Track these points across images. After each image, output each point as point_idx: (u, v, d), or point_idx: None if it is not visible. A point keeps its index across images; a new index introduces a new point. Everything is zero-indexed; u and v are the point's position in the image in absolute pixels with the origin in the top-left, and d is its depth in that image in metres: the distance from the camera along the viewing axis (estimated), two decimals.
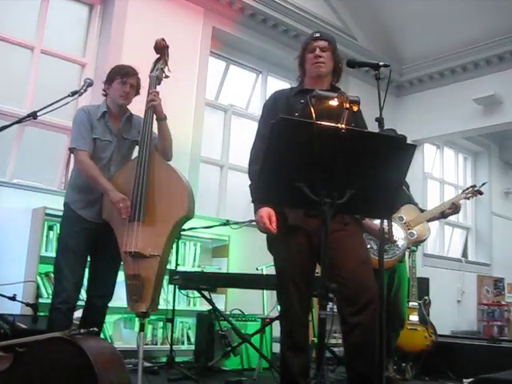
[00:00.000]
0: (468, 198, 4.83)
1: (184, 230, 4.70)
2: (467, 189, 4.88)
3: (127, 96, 3.70)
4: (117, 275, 3.70)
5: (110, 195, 3.47)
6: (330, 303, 3.33)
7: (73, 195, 3.64)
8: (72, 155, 3.79)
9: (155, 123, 3.67)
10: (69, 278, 3.45)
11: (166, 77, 3.81)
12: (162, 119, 3.69)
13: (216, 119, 7.05)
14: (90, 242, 3.58)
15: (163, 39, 3.81)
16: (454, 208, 4.60)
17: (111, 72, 3.76)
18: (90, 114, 3.64)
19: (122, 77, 3.68)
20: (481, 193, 4.84)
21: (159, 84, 3.77)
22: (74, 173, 3.75)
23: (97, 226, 3.57)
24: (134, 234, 3.44)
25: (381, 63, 2.87)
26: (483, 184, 5.01)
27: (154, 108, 3.65)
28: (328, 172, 2.30)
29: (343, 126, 2.28)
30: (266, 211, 2.87)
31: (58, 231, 3.78)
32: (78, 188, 3.63)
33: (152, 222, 3.50)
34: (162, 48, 3.82)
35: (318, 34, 3.16)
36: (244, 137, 6.84)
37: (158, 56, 3.84)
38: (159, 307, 3.97)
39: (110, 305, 3.73)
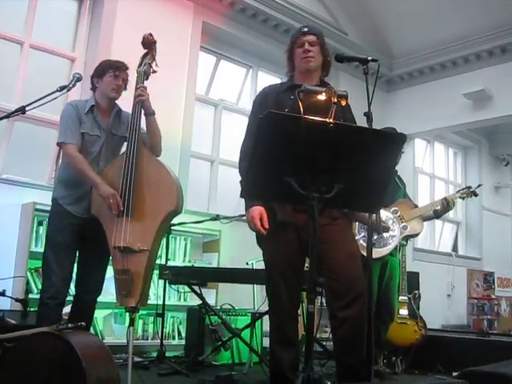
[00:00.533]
0: (463, 198, 4.88)
1: (174, 224, 4.70)
2: (463, 189, 4.93)
3: (119, 89, 3.70)
4: (106, 270, 3.71)
5: (100, 189, 3.44)
6: (320, 297, 3.35)
7: (61, 190, 3.61)
8: (61, 150, 3.77)
9: (143, 118, 3.66)
10: (57, 272, 3.43)
11: (154, 72, 3.80)
12: (150, 114, 3.68)
13: (206, 114, 7.04)
14: (78, 237, 3.56)
15: (151, 34, 3.81)
16: (446, 204, 4.61)
17: (101, 66, 3.74)
18: (78, 108, 3.61)
19: (115, 70, 3.67)
20: (476, 194, 4.89)
21: (147, 79, 3.76)
22: (62, 168, 3.74)
23: (85, 222, 3.55)
24: (122, 229, 3.43)
25: (369, 58, 2.88)
26: (479, 186, 5.06)
27: (141, 103, 3.65)
28: (316, 166, 2.30)
29: (331, 120, 2.28)
30: (258, 210, 2.89)
31: (47, 227, 3.75)
32: (66, 183, 3.61)
33: (141, 216, 3.50)
34: (149, 43, 3.81)
35: (306, 29, 3.15)
36: (234, 132, 6.84)
37: (145, 51, 3.83)
38: (149, 302, 3.98)
39: (100, 300, 3.73)
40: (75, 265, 3.62)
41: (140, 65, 3.79)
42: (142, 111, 3.66)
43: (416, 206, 4.76)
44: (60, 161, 3.90)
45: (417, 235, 4.99)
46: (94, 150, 3.62)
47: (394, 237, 4.48)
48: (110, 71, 3.66)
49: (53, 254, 3.48)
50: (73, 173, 3.56)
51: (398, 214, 4.54)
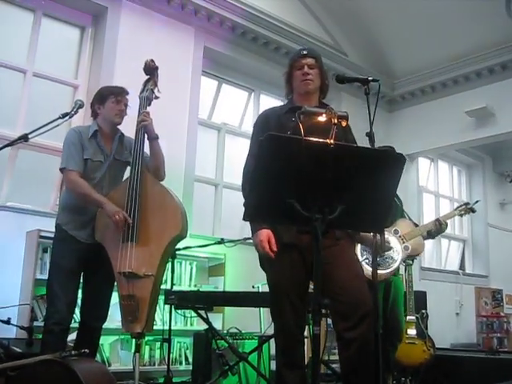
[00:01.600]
0: (461, 215, 4.86)
1: (179, 249, 4.68)
2: (460, 206, 4.91)
3: (121, 114, 3.73)
4: (111, 296, 3.69)
5: (106, 208, 3.46)
6: (326, 319, 3.33)
7: (65, 216, 3.62)
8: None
9: (146, 143, 3.68)
10: (62, 298, 3.42)
11: (156, 98, 3.84)
12: (153, 138, 3.71)
13: (209, 138, 7.07)
14: (82, 263, 3.56)
15: (152, 60, 3.85)
16: (439, 225, 4.59)
17: (102, 92, 3.78)
18: (81, 133, 3.63)
19: (116, 96, 3.71)
20: (473, 210, 4.87)
21: (149, 105, 3.80)
22: (65, 194, 3.75)
23: (89, 247, 3.55)
24: (127, 254, 3.44)
25: (370, 78, 2.89)
26: (476, 202, 5.06)
27: (145, 128, 3.67)
28: (318, 187, 2.30)
29: (332, 141, 2.28)
30: (266, 233, 2.88)
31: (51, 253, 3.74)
32: (69, 209, 3.62)
33: (145, 241, 3.50)
34: (151, 69, 3.85)
35: (305, 52, 3.17)
36: (238, 155, 6.84)
37: (147, 77, 3.87)
38: (156, 327, 3.96)
39: (106, 326, 3.72)
40: (80, 291, 3.61)
41: (142, 91, 3.83)
42: (146, 136, 3.68)
43: (416, 225, 4.73)
44: (63, 187, 3.90)
45: (418, 255, 4.96)
46: (97, 175, 3.63)
47: (397, 258, 4.44)
48: (111, 97, 3.69)
49: (57, 280, 3.46)
50: (76, 198, 3.57)
51: (399, 234, 4.51)
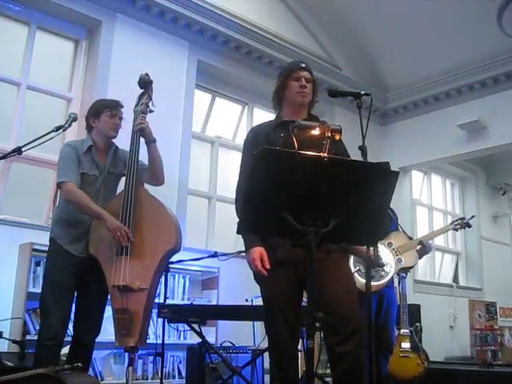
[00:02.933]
0: (456, 230, 4.86)
1: (172, 262, 4.66)
2: (456, 220, 4.91)
3: (117, 128, 3.73)
4: (104, 310, 3.68)
5: (107, 220, 3.44)
6: (320, 333, 3.32)
7: (59, 230, 3.60)
8: (59, 190, 3.76)
9: (142, 151, 3.67)
10: (56, 313, 3.40)
11: (151, 111, 3.84)
12: (151, 141, 3.72)
13: (203, 151, 7.07)
14: (76, 277, 3.54)
15: (147, 74, 3.86)
16: (422, 247, 4.59)
17: (97, 106, 3.77)
18: (77, 148, 3.62)
19: (112, 109, 3.71)
20: (469, 225, 4.88)
21: (144, 118, 3.79)
22: (60, 207, 3.72)
23: (83, 261, 3.53)
24: (121, 267, 3.43)
25: (362, 92, 2.90)
26: (472, 217, 5.06)
27: (142, 131, 3.66)
28: (312, 201, 2.30)
29: (325, 154, 2.29)
30: (258, 251, 2.88)
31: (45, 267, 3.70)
32: (64, 223, 3.60)
33: (140, 255, 3.50)
34: (146, 83, 3.86)
35: (303, 65, 3.18)
36: (231, 168, 6.85)
37: (142, 91, 3.87)
38: (149, 341, 3.93)
39: (99, 340, 3.70)
40: (76, 307, 3.60)
41: (137, 104, 3.83)
42: (142, 140, 3.69)
43: (410, 238, 4.73)
44: (57, 200, 3.87)
45: (411, 268, 4.95)
46: (91, 189, 3.62)
47: (390, 270, 4.44)
48: (106, 111, 3.70)
49: (51, 295, 3.44)
50: (71, 211, 3.55)
51: (393, 246, 4.51)
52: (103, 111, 3.70)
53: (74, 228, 3.57)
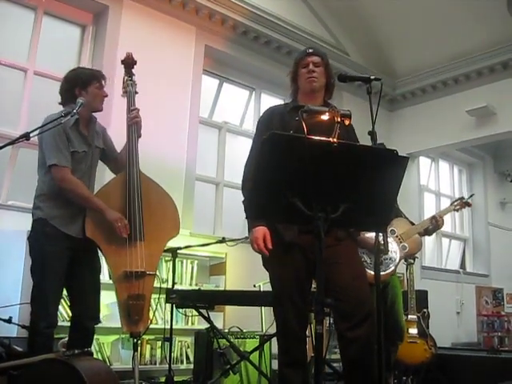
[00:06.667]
0: (457, 210, 4.79)
1: (180, 248, 4.68)
2: (455, 200, 4.86)
3: (103, 101, 3.61)
4: (100, 291, 3.58)
5: (107, 214, 3.38)
6: (328, 318, 3.32)
7: (51, 209, 3.37)
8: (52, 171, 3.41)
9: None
10: (54, 302, 3.31)
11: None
12: (139, 136, 3.70)
13: (210, 137, 7.06)
14: (70, 262, 3.38)
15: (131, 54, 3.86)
16: (435, 223, 4.54)
17: (83, 75, 3.55)
18: (64, 123, 3.28)
19: (100, 80, 3.57)
20: (469, 204, 4.82)
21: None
22: (47, 183, 3.43)
23: (79, 243, 3.39)
24: (137, 253, 3.42)
25: (372, 77, 2.88)
26: (471, 196, 5.03)
27: (137, 124, 3.65)
28: (321, 186, 2.29)
29: (335, 139, 2.27)
30: (261, 231, 2.87)
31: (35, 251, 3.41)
32: (55, 201, 3.39)
33: (147, 241, 3.50)
34: (132, 62, 3.87)
35: (311, 50, 3.18)
36: (239, 154, 6.84)
37: (127, 70, 3.87)
38: (157, 326, 3.96)
39: (107, 325, 3.72)
40: (69, 288, 3.47)
41: (127, 85, 3.80)
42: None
43: (412, 224, 4.68)
44: (44, 177, 3.45)
45: (416, 253, 4.91)
46: (82, 167, 3.47)
47: (395, 258, 4.40)
48: (94, 82, 3.53)
49: (50, 283, 3.27)
50: (72, 198, 3.39)
51: (396, 234, 4.47)
52: (91, 82, 3.51)
53: (68, 207, 3.38)
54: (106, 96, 3.63)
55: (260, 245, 2.85)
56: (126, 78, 3.89)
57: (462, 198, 4.87)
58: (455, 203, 4.79)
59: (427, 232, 4.60)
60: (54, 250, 3.31)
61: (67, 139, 3.38)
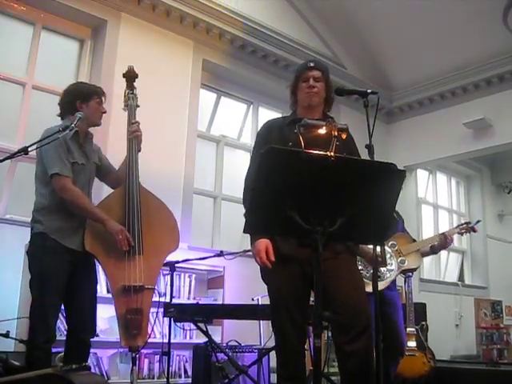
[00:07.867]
0: (462, 234, 4.80)
1: (178, 261, 4.68)
2: (461, 224, 4.85)
3: (102, 116, 3.65)
4: (96, 306, 3.57)
5: (108, 225, 3.38)
6: (327, 331, 3.31)
7: (52, 223, 3.36)
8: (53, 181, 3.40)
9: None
10: (53, 316, 3.30)
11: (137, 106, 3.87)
12: (139, 150, 3.71)
13: (208, 150, 7.08)
14: (69, 275, 3.36)
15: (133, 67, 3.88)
16: (444, 239, 4.53)
17: (84, 90, 3.61)
18: (64, 135, 3.28)
19: (100, 96, 3.62)
20: (474, 230, 4.82)
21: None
22: (47, 196, 3.42)
23: (80, 256, 3.38)
24: (136, 267, 3.41)
25: (369, 90, 2.89)
26: (477, 222, 5.00)
27: (137, 138, 3.66)
28: (318, 200, 2.30)
29: (332, 153, 2.28)
30: (264, 244, 2.87)
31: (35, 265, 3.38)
32: (58, 214, 3.38)
33: (146, 255, 3.49)
34: (134, 75, 3.87)
35: (312, 64, 3.18)
36: (237, 167, 6.86)
37: (128, 84, 3.89)
38: (155, 340, 3.95)
39: (105, 339, 3.69)
40: (66, 301, 3.43)
41: (128, 99, 3.82)
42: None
43: (414, 240, 4.68)
44: (43, 190, 3.44)
45: (414, 270, 4.90)
46: (81, 177, 3.49)
47: (392, 271, 4.40)
48: (95, 97, 3.57)
49: (50, 298, 3.27)
50: (74, 209, 3.39)
51: (396, 247, 4.47)
52: (92, 97, 3.55)
53: (68, 220, 3.38)
54: (105, 112, 3.66)
55: (263, 257, 2.84)
56: (127, 91, 3.92)
57: (469, 222, 4.87)
58: (461, 227, 4.79)
59: (433, 249, 4.59)
60: (55, 265, 3.29)
61: (68, 150, 3.40)
